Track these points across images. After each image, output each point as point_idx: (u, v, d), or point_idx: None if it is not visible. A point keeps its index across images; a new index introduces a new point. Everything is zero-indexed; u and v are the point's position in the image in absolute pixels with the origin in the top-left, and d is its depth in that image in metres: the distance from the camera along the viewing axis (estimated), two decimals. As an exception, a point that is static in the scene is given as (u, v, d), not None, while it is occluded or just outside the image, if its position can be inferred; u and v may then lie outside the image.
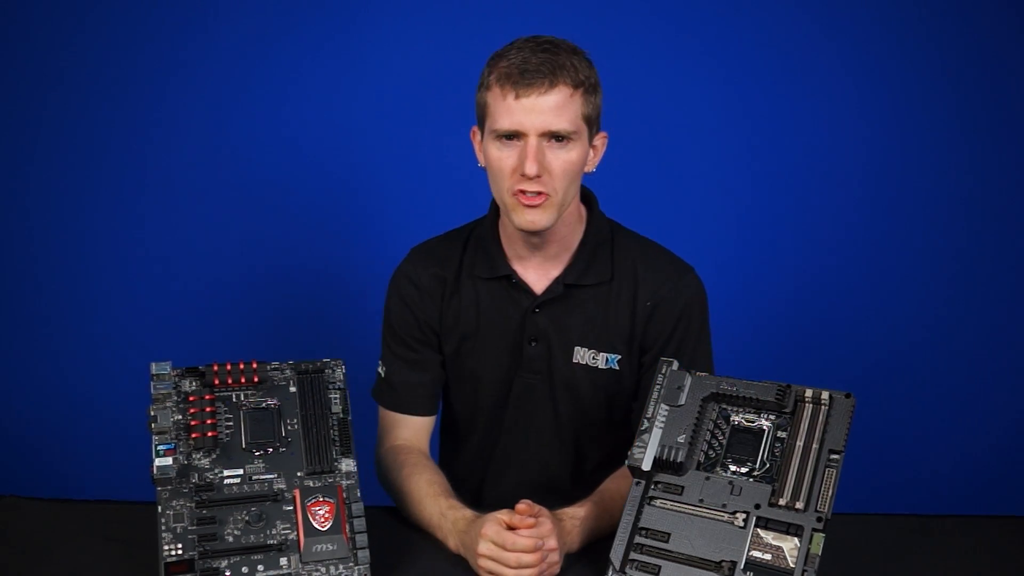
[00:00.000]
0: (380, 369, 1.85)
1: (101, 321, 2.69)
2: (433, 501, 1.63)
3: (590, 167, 1.72)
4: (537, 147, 1.61)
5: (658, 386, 1.52)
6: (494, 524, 1.48)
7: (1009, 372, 2.75)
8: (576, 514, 1.60)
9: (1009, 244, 2.73)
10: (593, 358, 1.78)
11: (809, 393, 1.47)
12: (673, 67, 2.73)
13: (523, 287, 1.78)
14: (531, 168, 1.60)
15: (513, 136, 1.63)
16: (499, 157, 1.65)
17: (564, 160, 1.63)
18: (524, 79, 1.60)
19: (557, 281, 1.77)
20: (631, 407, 1.82)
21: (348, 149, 2.72)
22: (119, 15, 2.61)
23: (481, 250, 1.81)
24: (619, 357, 1.78)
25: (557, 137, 1.62)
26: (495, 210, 1.80)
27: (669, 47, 2.72)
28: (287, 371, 1.53)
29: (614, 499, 1.66)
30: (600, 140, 1.73)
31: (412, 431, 1.82)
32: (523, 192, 1.63)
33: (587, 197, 1.81)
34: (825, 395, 1.46)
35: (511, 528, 1.48)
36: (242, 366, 1.51)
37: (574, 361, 1.78)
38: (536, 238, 1.73)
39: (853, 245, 2.76)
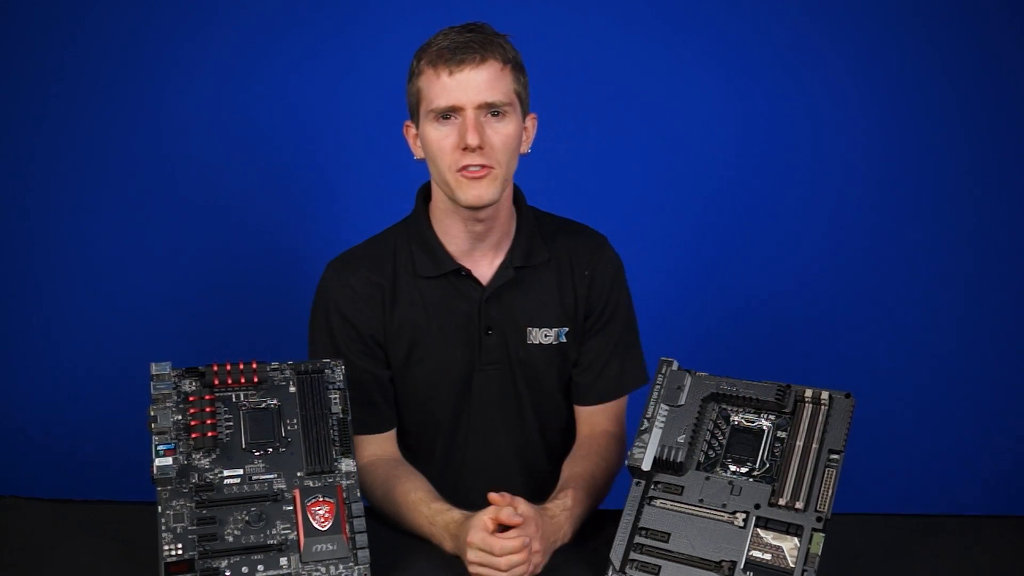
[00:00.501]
0: None
1: (101, 321, 2.69)
2: (417, 511, 1.62)
3: (524, 147, 1.76)
4: (475, 119, 1.64)
5: (658, 386, 1.52)
6: (479, 531, 1.48)
7: (1010, 372, 2.75)
8: (564, 505, 1.61)
9: (1010, 243, 2.73)
10: (545, 336, 1.81)
11: (809, 393, 1.47)
12: (672, 66, 2.73)
13: (472, 278, 1.78)
14: (473, 138, 1.63)
15: (450, 115, 1.65)
16: (438, 137, 1.67)
17: (503, 134, 1.67)
18: (456, 56, 1.64)
19: (505, 266, 1.79)
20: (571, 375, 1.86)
21: (347, 149, 2.72)
22: (109, 21, 2.61)
23: (420, 249, 1.79)
24: (567, 330, 1.82)
25: (493, 112, 1.66)
26: (424, 209, 1.81)
27: (665, 44, 2.73)
28: (287, 371, 1.53)
29: (587, 481, 1.68)
30: (531, 121, 1.77)
31: (378, 445, 1.79)
32: (467, 168, 1.66)
33: (515, 191, 1.84)
34: (825, 395, 1.47)
35: (503, 527, 1.48)
36: (242, 366, 1.51)
37: (529, 343, 1.81)
38: (479, 225, 1.74)
39: (853, 245, 2.76)
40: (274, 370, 1.53)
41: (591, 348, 1.83)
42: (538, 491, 1.71)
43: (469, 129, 1.63)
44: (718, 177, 2.75)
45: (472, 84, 1.64)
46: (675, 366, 1.54)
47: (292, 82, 2.68)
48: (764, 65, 2.71)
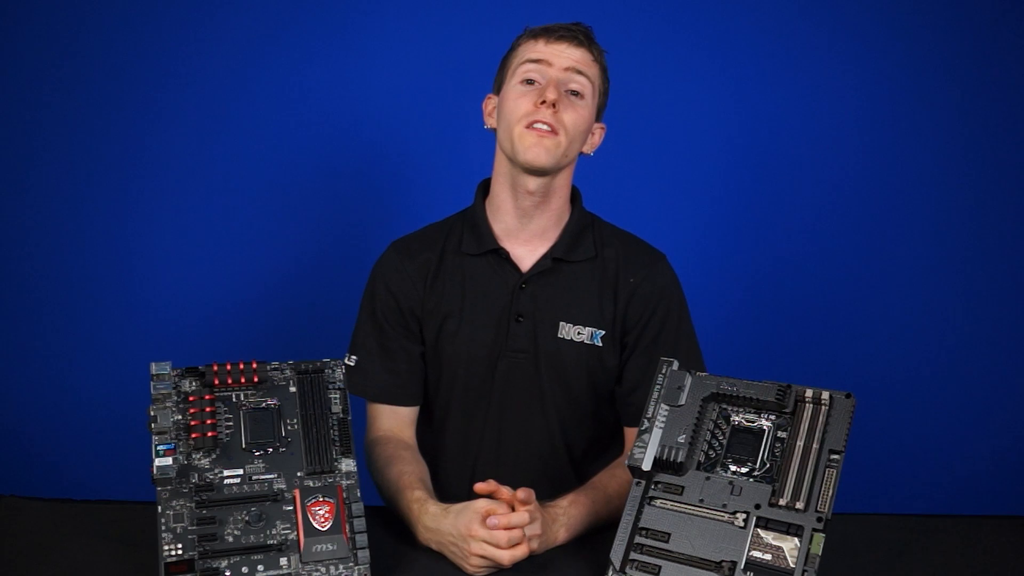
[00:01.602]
0: (349, 360, 1.85)
1: (101, 321, 2.69)
2: (405, 492, 1.65)
3: (589, 149, 1.85)
4: (558, 83, 1.73)
5: (658, 386, 1.52)
6: (479, 525, 1.48)
7: (1009, 372, 2.75)
8: (559, 503, 1.62)
9: (1011, 243, 2.73)
10: (578, 333, 1.82)
11: (809, 393, 1.47)
12: (673, 65, 2.73)
13: (511, 263, 1.82)
14: (552, 93, 1.72)
15: (537, 63, 1.74)
16: (517, 95, 1.76)
17: (577, 112, 1.75)
18: (557, 32, 1.76)
19: (546, 256, 1.82)
20: (613, 390, 1.85)
21: (347, 149, 2.71)
22: (112, 17, 2.61)
23: (468, 228, 1.85)
24: (603, 333, 1.82)
25: (573, 92, 1.74)
26: (482, 194, 1.87)
27: (668, 43, 2.72)
28: (287, 371, 1.53)
29: (597, 489, 1.68)
30: (599, 129, 1.85)
31: (395, 421, 1.84)
32: (536, 122, 1.72)
33: (573, 191, 1.89)
34: (825, 395, 1.46)
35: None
36: (242, 366, 1.51)
37: (559, 336, 1.81)
38: (528, 200, 1.78)
39: (854, 245, 2.76)
40: (274, 370, 1.53)
41: (634, 368, 1.82)
42: (553, 493, 1.71)
43: (550, 86, 1.72)
44: (718, 178, 2.75)
45: (565, 54, 1.75)
46: (675, 366, 1.54)
47: (288, 83, 2.67)
48: (770, 65, 2.71)
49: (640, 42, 2.70)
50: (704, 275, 2.75)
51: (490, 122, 1.84)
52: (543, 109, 1.71)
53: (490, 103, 1.85)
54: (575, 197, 1.88)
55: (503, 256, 1.82)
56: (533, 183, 1.76)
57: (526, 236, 1.82)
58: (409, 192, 2.71)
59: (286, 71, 2.67)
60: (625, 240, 1.89)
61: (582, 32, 1.78)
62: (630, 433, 1.83)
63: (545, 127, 1.72)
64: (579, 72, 1.75)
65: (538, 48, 1.76)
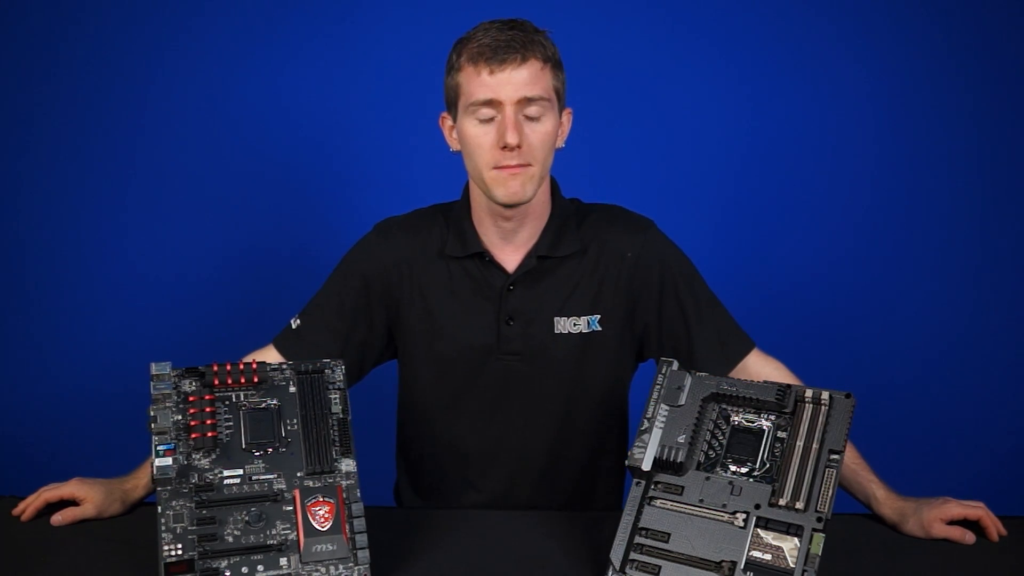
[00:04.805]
0: (294, 322, 1.85)
1: (101, 321, 2.69)
2: None
3: (559, 142, 1.78)
4: (515, 119, 1.65)
5: (658, 386, 1.52)
6: None
7: (1010, 372, 2.75)
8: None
9: (1013, 244, 2.72)
10: (574, 324, 1.80)
11: (809, 393, 1.47)
12: (674, 59, 2.73)
13: (496, 264, 1.79)
14: (512, 137, 1.64)
15: (488, 105, 1.66)
16: (476, 134, 1.68)
17: (540, 132, 1.68)
18: (497, 55, 1.64)
19: (530, 255, 1.79)
20: (619, 375, 1.85)
21: (346, 146, 2.72)
22: (99, 17, 2.61)
23: (454, 230, 1.82)
24: (599, 316, 1.80)
25: (530, 117, 1.67)
26: (467, 197, 1.83)
27: (678, 42, 2.73)
28: (287, 371, 1.53)
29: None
30: (567, 116, 1.78)
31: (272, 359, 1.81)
32: (504, 166, 1.67)
33: (551, 183, 1.85)
34: (825, 395, 1.46)
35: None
36: (242, 366, 1.51)
37: (556, 332, 1.79)
38: (509, 223, 1.76)
39: (854, 244, 2.76)
40: (274, 370, 1.53)
41: (676, 322, 1.82)
42: (558, 489, 1.70)
43: (509, 128, 1.65)
44: (718, 178, 2.76)
45: (512, 82, 1.65)
46: (675, 366, 1.54)
47: (281, 81, 2.67)
48: (768, 59, 2.71)
49: (661, 42, 2.70)
50: (704, 275, 2.75)
51: (454, 145, 1.77)
52: (506, 152, 1.66)
53: (446, 122, 1.78)
54: (553, 188, 1.85)
55: (487, 259, 1.79)
56: (511, 211, 1.74)
57: (514, 245, 1.80)
58: (412, 192, 2.71)
59: (285, 71, 2.67)
60: (610, 217, 1.85)
61: (519, 41, 1.65)
62: (752, 358, 1.86)
63: (514, 166, 1.67)
64: (531, 97, 1.66)
65: (483, 81, 1.65)
